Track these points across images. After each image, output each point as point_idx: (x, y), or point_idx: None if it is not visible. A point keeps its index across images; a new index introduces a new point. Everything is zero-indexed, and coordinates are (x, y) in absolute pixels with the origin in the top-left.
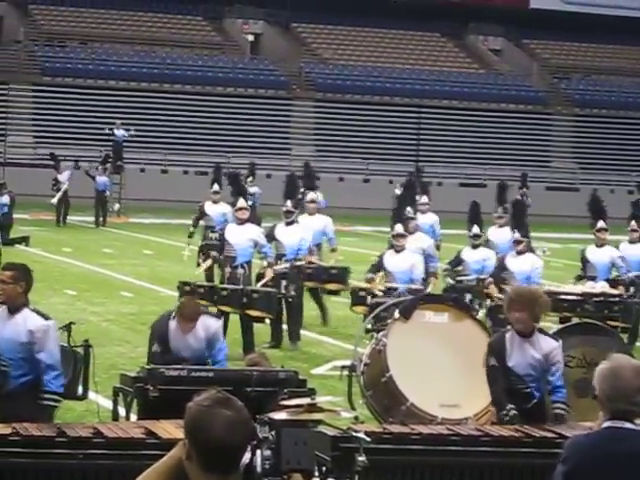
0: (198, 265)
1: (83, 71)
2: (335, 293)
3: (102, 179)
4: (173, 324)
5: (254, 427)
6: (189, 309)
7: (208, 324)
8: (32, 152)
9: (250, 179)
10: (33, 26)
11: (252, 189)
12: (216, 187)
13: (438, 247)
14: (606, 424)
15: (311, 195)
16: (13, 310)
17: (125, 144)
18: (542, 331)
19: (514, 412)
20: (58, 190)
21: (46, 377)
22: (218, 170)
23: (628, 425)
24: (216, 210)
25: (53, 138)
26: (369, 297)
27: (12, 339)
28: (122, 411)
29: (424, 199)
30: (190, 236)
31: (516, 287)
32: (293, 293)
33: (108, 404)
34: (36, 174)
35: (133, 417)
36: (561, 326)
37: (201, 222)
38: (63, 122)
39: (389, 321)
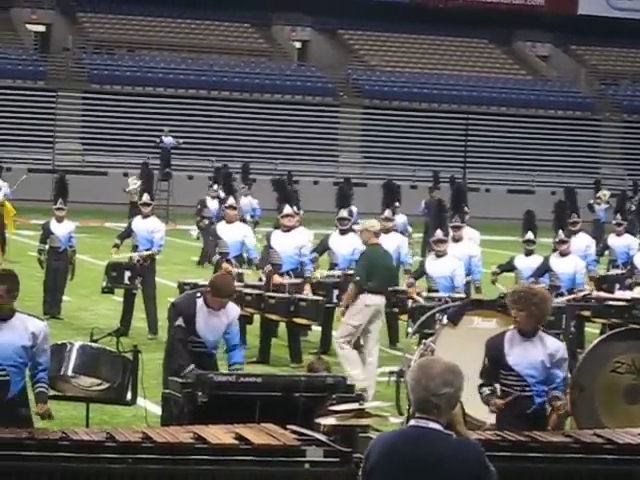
0: None
1: (131, 78)
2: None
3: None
4: (200, 303)
5: None
6: (226, 285)
7: (231, 309)
8: (81, 159)
9: (215, 187)
10: (81, 34)
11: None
12: (60, 203)
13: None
14: (412, 422)
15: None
16: (6, 317)
17: (173, 151)
18: (545, 331)
19: (489, 390)
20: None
21: (41, 375)
22: (62, 181)
23: (432, 425)
24: (62, 229)
25: (101, 145)
26: (410, 302)
27: (13, 345)
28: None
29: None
30: (39, 253)
31: (516, 286)
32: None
33: (157, 410)
34: (85, 181)
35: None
36: (610, 332)
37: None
38: (111, 129)
39: (437, 327)
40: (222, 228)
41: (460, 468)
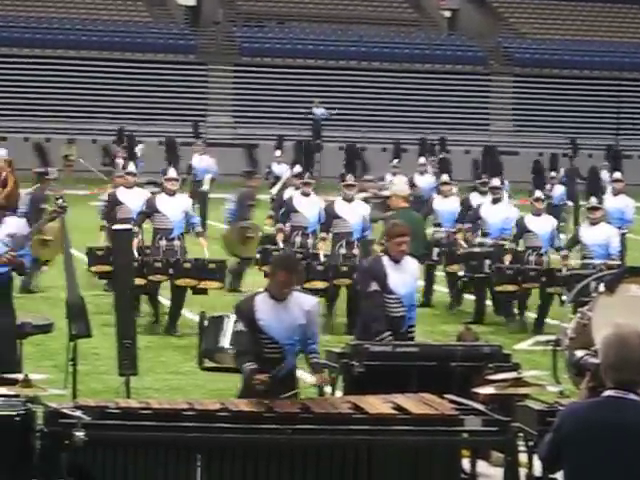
0: None
1: (281, 51)
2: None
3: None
4: (386, 261)
5: None
6: (398, 223)
7: (414, 265)
8: (232, 132)
9: (278, 153)
10: (231, 7)
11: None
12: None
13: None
14: (608, 393)
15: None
16: (280, 297)
17: (323, 122)
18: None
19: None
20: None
21: (314, 347)
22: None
23: (632, 396)
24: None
25: (253, 118)
26: (564, 270)
27: (291, 324)
28: (328, 387)
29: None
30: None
31: None
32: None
33: (311, 380)
34: (237, 154)
35: (338, 393)
36: None
37: None
38: (262, 102)
39: (594, 295)
40: (123, 194)
41: None
